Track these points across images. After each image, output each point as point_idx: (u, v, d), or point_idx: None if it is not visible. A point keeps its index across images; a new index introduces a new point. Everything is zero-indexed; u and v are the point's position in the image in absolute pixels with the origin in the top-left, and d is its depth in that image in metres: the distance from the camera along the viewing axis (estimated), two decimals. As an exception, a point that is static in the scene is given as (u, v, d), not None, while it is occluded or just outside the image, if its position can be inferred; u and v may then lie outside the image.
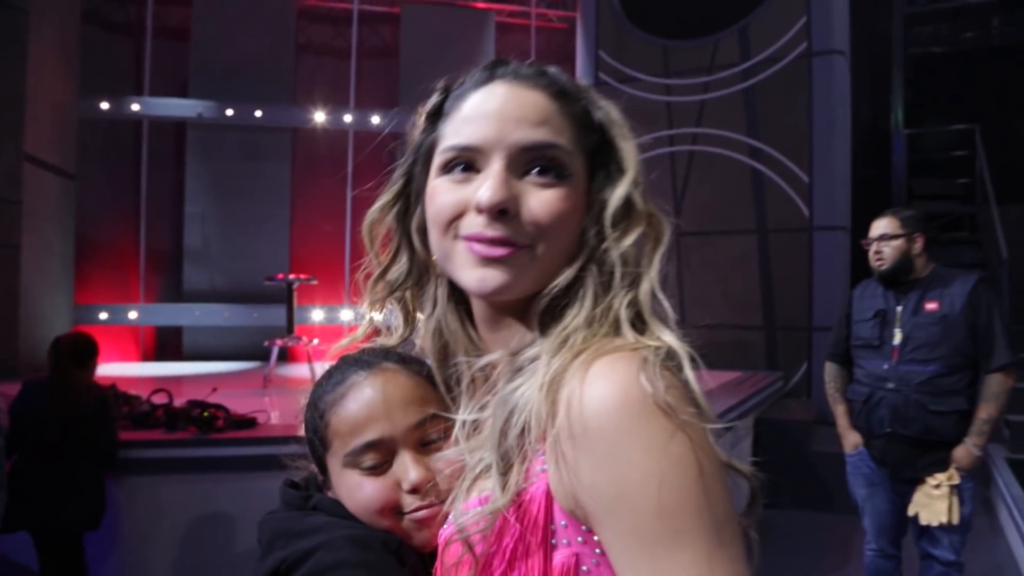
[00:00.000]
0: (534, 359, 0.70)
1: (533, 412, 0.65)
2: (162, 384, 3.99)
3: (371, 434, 0.81)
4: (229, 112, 7.57)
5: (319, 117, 7.75)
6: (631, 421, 0.60)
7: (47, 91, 6.35)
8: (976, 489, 2.90)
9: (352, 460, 0.82)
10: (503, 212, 0.69)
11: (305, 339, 5.96)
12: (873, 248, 2.96)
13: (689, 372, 0.65)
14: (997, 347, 2.76)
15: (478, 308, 0.79)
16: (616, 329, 0.70)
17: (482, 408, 0.76)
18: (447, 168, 0.73)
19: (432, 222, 0.75)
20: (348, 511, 0.83)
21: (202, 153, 7.76)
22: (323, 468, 0.88)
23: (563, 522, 0.64)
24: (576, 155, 0.73)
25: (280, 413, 4.23)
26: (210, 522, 3.30)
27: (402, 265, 0.84)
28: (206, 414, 3.51)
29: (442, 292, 0.82)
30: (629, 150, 0.76)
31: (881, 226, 2.94)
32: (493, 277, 0.70)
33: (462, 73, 0.79)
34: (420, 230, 0.81)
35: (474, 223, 0.71)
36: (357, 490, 0.82)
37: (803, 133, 6.48)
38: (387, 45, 8.58)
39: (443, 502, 0.80)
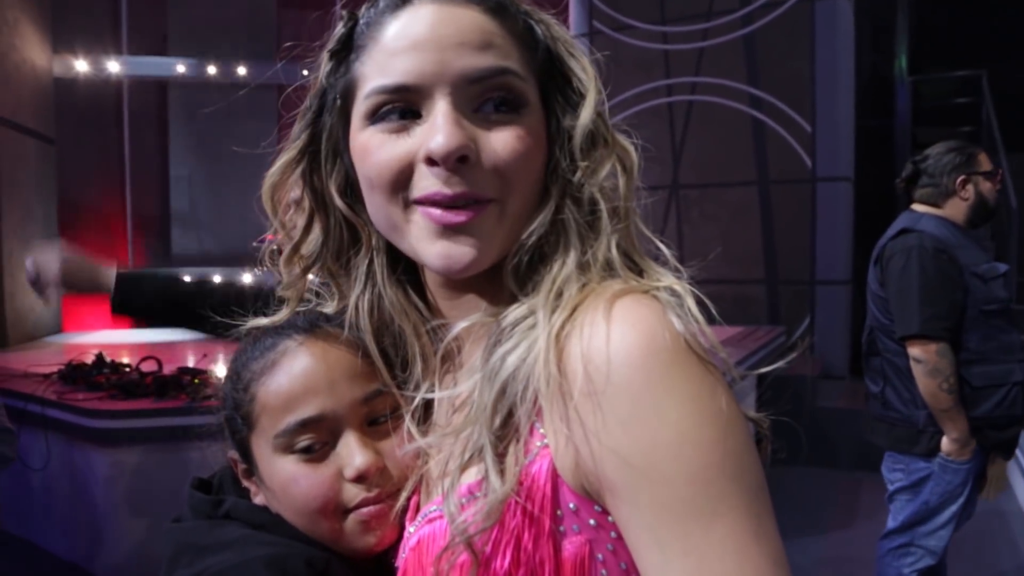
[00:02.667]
0: (521, 319, 0.59)
1: (540, 376, 0.54)
2: (154, 351, 3.88)
3: (309, 409, 0.67)
4: (211, 70, 7.32)
5: (304, 73, 7.50)
6: (662, 370, 0.52)
7: (18, 52, 6.09)
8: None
9: (284, 442, 0.68)
10: (463, 159, 0.58)
11: (298, 302, 5.84)
12: (995, 181, 2.49)
13: (699, 315, 0.57)
14: None
15: (434, 276, 0.67)
16: (610, 272, 0.60)
17: (454, 385, 0.65)
18: (376, 116, 0.61)
19: (370, 185, 0.62)
20: (268, 518, 0.69)
21: (185, 113, 7.53)
22: (246, 454, 0.73)
23: (572, 504, 0.56)
24: (528, 79, 0.62)
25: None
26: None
27: (316, 236, 0.71)
28: (196, 381, 3.41)
29: (380, 262, 0.69)
30: (584, 69, 0.65)
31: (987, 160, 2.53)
32: (461, 252, 0.59)
33: None
34: (344, 191, 0.68)
35: (428, 181, 0.59)
36: (291, 484, 0.68)
37: (805, 81, 6.28)
38: (374, -3, 8.30)
39: (393, 495, 0.67)
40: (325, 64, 0.68)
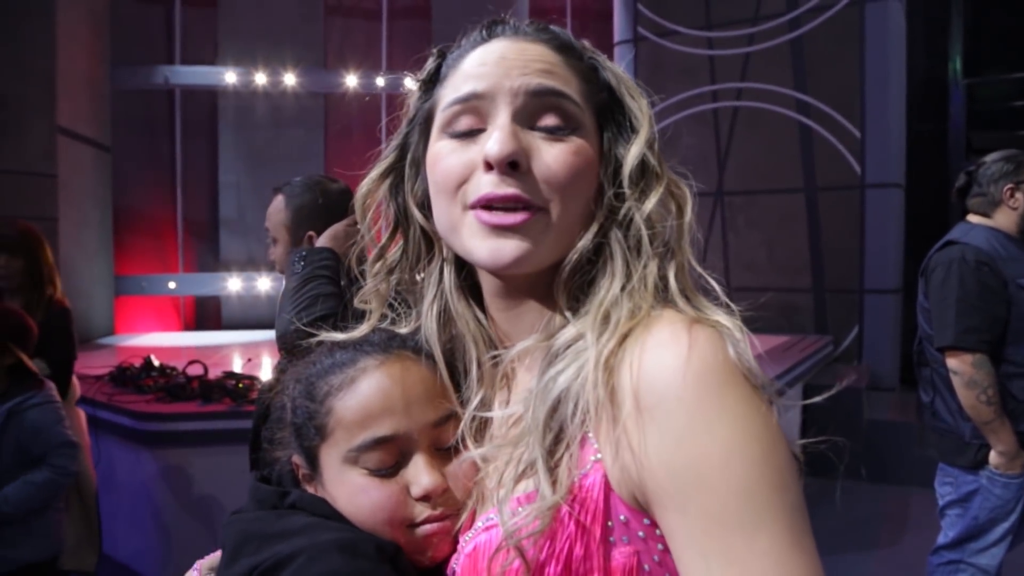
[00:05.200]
0: (572, 341, 0.63)
1: (589, 394, 0.59)
2: (202, 354, 3.97)
3: (385, 428, 0.70)
4: (260, 78, 7.47)
5: (351, 81, 7.60)
6: (713, 389, 0.55)
7: (78, 63, 6.30)
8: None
9: (356, 457, 0.71)
10: (514, 165, 0.65)
11: (341, 308, 5.89)
12: None
13: (749, 353, 0.60)
14: None
15: (490, 287, 0.73)
16: (664, 299, 0.64)
17: (508, 403, 0.70)
18: (449, 127, 0.69)
19: (438, 189, 0.70)
20: (333, 510, 0.72)
21: (234, 121, 7.69)
22: (312, 460, 0.76)
23: (623, 516, 0.59)
24: (585, 109, 0.69)
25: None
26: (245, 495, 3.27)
27: (399, 244, 0.78)
28: (240, 385, 3.47)
29: (448, 271, 0.76)
30: (641, 108, 0.72)
31: None
32: (508, 248, 0.64)
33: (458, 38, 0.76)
34: (422, 204, 0.76)
35: (483, 183, 0.66)
36: (360, 494, 0.71)
37: (855, 85, 6.14)
38: (418, 5, 8.36)
39: (454, 515, 0.71)
40: (416, 92, 0.77)
